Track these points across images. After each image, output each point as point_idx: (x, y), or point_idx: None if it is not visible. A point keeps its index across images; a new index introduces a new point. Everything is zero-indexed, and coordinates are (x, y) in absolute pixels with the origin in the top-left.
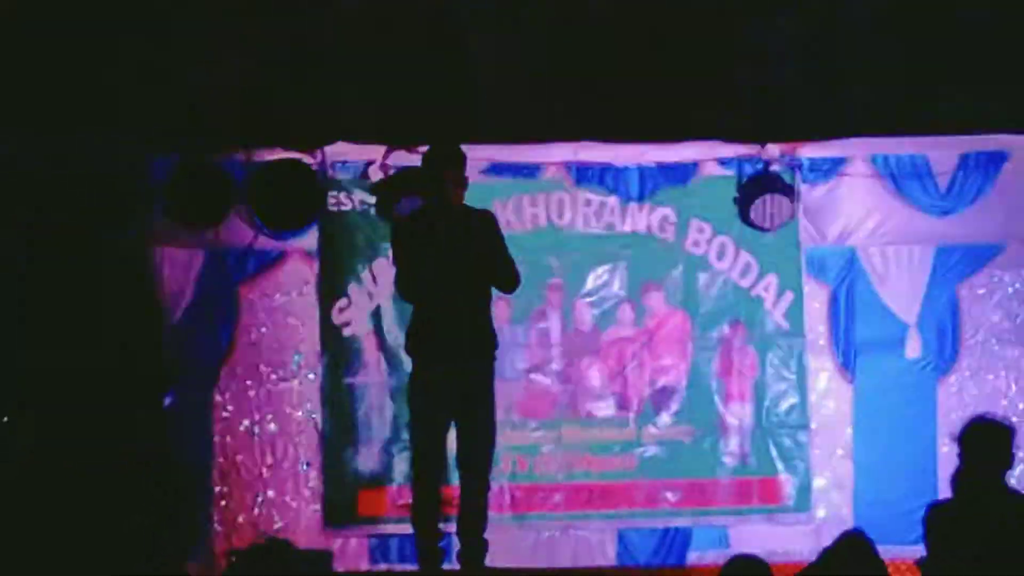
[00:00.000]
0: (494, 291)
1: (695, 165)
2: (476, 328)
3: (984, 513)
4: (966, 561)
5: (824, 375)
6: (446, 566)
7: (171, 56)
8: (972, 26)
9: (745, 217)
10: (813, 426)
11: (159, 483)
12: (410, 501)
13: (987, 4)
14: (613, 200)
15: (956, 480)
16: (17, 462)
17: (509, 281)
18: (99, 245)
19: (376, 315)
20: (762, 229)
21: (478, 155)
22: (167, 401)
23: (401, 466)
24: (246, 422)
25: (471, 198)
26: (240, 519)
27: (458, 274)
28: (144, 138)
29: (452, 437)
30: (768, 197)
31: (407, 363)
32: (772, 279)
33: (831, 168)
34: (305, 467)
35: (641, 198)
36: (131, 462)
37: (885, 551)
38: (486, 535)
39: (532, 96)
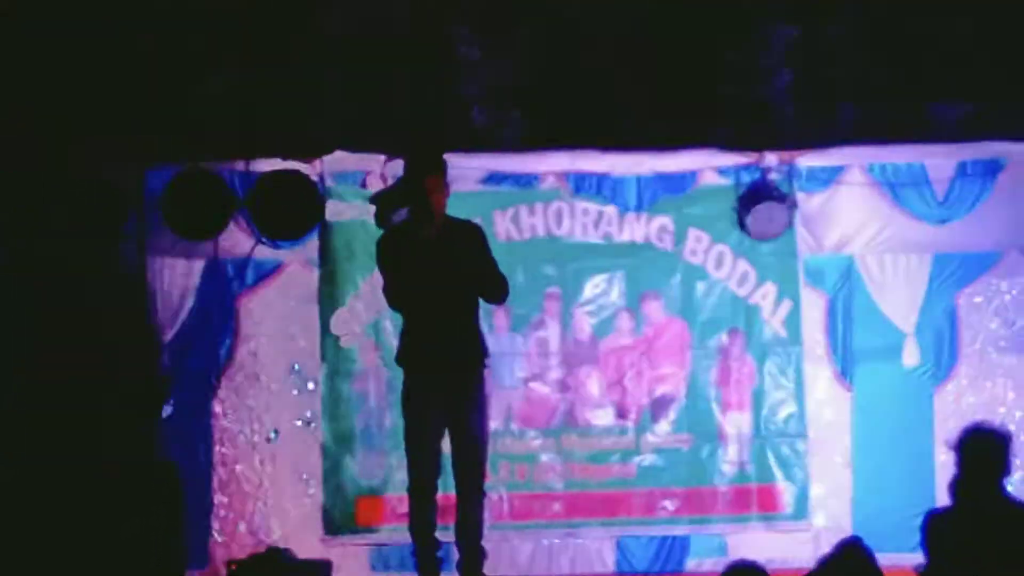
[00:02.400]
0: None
1: (693, 174)
2: (464, 336)
3: (982, 521)
4: (965, 569)
5: (822, 383)
6: (445, 575)
7: (169, 66)
8: (966, 34)
9: (743, 226)
10: (811, 434)
11: (156, 491)
12: (407, 510)
13: (978, 13)
14: (611, 209)
15: (954, 488)
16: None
17: (496, 295)
18: (94, 255)
19: (375, 325)
20: (760, 238)
21: (475, 164)
22: (166, 411)
23: (400, 475)
24: (246, 431)
25: (471, 208)
26: (240, 528)
27: (444, 284)
28: (142, 148)
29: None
30: (766, 206)
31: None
32: (770, 287)
33: (829, 177)
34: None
35: (639, 207)
36: (126, 471)
37: (883, 559)
38: (485, 543)
39: (529, 105)
